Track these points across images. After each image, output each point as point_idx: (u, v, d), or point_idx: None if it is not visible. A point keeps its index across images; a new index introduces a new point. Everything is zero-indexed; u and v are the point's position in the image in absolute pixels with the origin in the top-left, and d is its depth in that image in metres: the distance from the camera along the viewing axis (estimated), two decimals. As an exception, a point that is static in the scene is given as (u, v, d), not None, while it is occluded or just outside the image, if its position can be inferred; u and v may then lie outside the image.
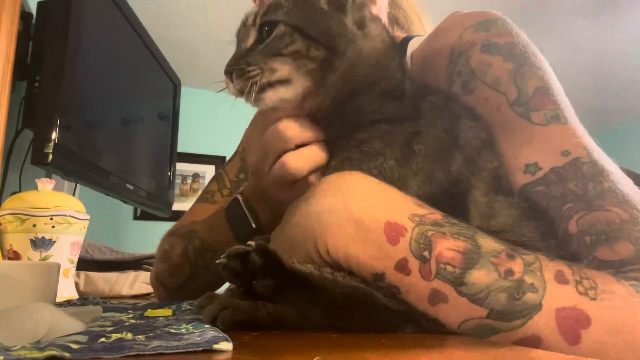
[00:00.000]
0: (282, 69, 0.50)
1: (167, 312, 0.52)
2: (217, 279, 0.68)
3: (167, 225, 0.82)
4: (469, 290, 0.39)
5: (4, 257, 0.83)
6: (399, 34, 0.73)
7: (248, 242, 0.43)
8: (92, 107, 1.07)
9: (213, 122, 3.19)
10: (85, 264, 1.03)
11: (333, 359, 0.29)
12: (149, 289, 1.04)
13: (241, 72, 0.50)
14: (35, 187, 0.89)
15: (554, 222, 0.45)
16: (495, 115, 0.51)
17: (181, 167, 3.31)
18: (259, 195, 0.61)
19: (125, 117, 1.29)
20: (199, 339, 0.31)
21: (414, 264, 0.41)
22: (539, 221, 0.46)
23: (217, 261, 0.43)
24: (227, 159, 0.92)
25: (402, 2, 0.78)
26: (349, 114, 0.51)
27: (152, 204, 1.39)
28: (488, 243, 0.41)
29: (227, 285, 0.50)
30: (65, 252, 0.87)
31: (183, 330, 0.36)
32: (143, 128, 1.44)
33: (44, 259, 0.84)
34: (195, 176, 3.46)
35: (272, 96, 0.50)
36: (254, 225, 0.61)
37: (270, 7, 0.53)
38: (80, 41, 0.97)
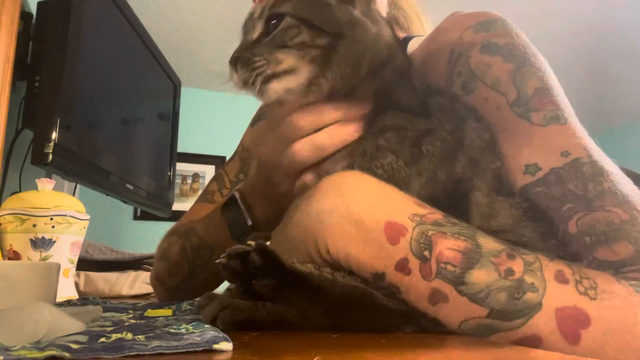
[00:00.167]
0: (288, 59, 0.50)
1: (167, 312, 0.52)
2: (215, 277, 0.68)
3: (167, 225, 0.82)
4: (470, 290, 0.39)
5: (4, 257, 0.83)
6: (399, 34, 0.73)
7: (248, 242, 0.43)
8: (92, 107, 1.07)
9: (213, 122, 3.19)
10: (85, 264, 1.03)
11: (333, 359, 0.29)
12: (149, 289, 1.04)
13: (246, 62, 0.50)
14: (35, 187, 0.89)
15: (553, 223, 0.45)
16: (495, 115, 0.51)
17: (181, 167, 3.31)
18: (259, 191, 0.61)
19: (125, 117, 1.29)
20: (199, 339, 0.31)
21: (414, 264, 0.41)
22: (539, 221, 0.46)
23: (217, 261, 0.43)
24: (227, 159, 0.92)
25: (401, 2, 0.78)
26: (380, 87, 0.51)
27: (152, 204, 1.39)
28: (488, 243, 0.41)
29: (226, 284, 0.50)
30: (65, 252, 0.87)
31: (183, 330, 0.36)
32: (143, 128, 1.44)
33: (44, 259, 0.84)
34: (195, 176, 3.46)
35: (277, 87, 0.50)
36: (249, 222, 0.61)
37: (277, 0, 0.53)
38: (80, 41, 0.97)
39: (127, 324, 0.43)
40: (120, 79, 1.25)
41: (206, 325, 0.38)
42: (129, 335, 0.34)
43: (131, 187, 1.21)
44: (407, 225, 0.42)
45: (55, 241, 0.85)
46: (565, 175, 0.45)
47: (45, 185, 0.89)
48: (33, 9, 1.06)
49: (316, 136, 0.51)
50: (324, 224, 0.44)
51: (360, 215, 0.43)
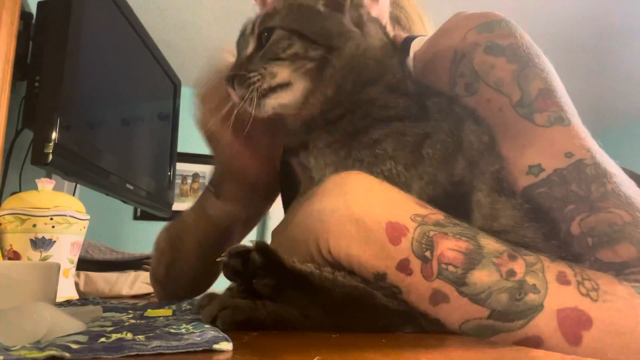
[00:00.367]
0: (282, 72, 0.50)
1: (167, 312, 0.52)
2: (193, 266, 0.71)
3: (167, 226, 0.82)
4: (471, 291, 0.39)
5: (4, 257, 0.83)
6: (401, 34, 0.72)
7: (250, 240, 0.43)
8: (92, 107, 1.07)
9: (213, 122, 3.18)
10: (85, 264, 1.03)
11: (333, 359, 0.29)
12: (149, 289, 1.04)
13: (241, 79, 0.51)
14: (35, 187, 0.89)
15: (556, 224, 0.45)
16: (498, 116, 0.51)
17: (181, 167, 3.30)
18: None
19: (125, 117, 1.29)
20: (199, 339, 0.31)
21: (415, 264, 0.41)
22: (542, 222, 0.46)
23: (217, 259, 0.43)
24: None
25: (403, 2, 0.78)
26: (364, 104, 0.51)
27: (152, 204, 1.39)
28: (490, 244, 0.41)
29: (224, 285, 0.50)
30: (65, 252, 0.87)
31: (183, 330, 0.36)
32: (143, 128, 1.44)
33: (44, 259, 0.84)
34: (195, 176, 3.46)
35: (273, 102, 0.51)
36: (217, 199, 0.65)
37: (267, 14, 0.54)
38: (80, 41, 0.97)
39: (127, 324, 0.43)
40: (120, 79, 1.25)
41: (206, 325, 0.38)
42: (129, 335, 0.34)
43: (131, 187, 1.21)
44: (408, 226, 0.42)
45: (55, 241, 0.85)
46: (569, 176, 0.45)
47: (45, 185, 0.89)
48: (33, 9, 1.06)
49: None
50: (325, 224, 0.44)
51: (362, 215, 0.43)
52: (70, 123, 0.92)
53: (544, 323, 0.37)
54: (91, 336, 0.33)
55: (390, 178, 0.47)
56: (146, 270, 1.11)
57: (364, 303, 0.42)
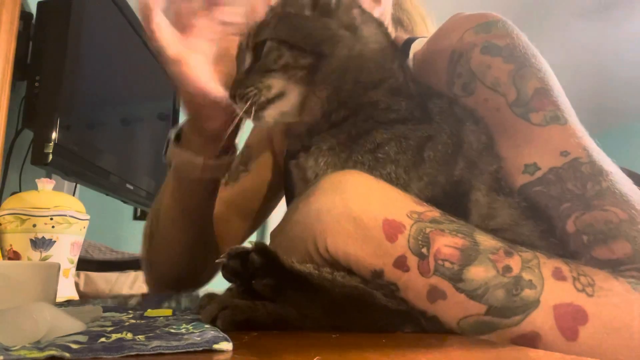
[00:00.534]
0: (277, 83, 0.50)
1: (167, 312, 0.52)
2: (170, 236, 0.69)
3: (167, 225, 0.82)
4: (468, 287, 0.39)
5: (4, 257, 0.83)
6: (402, 35, 0.73)
7: (249, 241, 0.43)
8: (92, 107, 1.07)
9: (213, 122, 3.18)
10: (85, 264, 1.03)
11: (333, 359, 0.29)
12: (149, 289, 1.04)
13: (242, 95, 0.51)
14: (35, 187, 0.89)
15: (552, 222, 0.45)
16: (495, 116, 0.51)
17: (181, 167, 3.30)
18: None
19: (125, 117, 1.29)
20: (199, 339, 0.31)
21: (412, 261, 0.41)
22: (538, 221, 0.46)
23: (217, 260, 0.43)
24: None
25: (405, 3, 0.78)
26: (367, 106, 0.51)
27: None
28: (486, 240, 0.41)
29: (222, 286, 0.50)
30: (65, 252, 0.87)
31: (183, 330, 0.36)
32: (143, 128, 1.45)
33: (44, 259, 0.84)
34: (195, 176, 3.45)
35: (272, 112, 0.51)
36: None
37: (259, 27, 0.54)
38: (80, 41, 0.97)
39: (127, 324, 0.43)
40: (120, 79, 1.25)
41: (206, 325, 0.38)
42: (129, 335, 0.34)
43: (131, 187, 1.21)
44: (405, 223, 0.42)
45: (55, 241, 0.85)
46: (564, 174, 0.45)
47: (45, 185, 0.89)
48: (33, 9, 1.06)
49: None
50: (322, 222, 0.44)
51: (359, 213, 0.43)
52: (70, 123, 0.92)
53: (541, 319, 0.37)
54: (91, 336, 0.33)
55: (390, 181, 0.47)
56: (146, 270, 1.11)
57: (364, 303, 0.42)
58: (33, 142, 0.89)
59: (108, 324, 0.42)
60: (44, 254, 0.84)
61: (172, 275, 0.72)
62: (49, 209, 0.85)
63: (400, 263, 0.41)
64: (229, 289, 0.48)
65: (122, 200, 1.26)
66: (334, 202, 0.44)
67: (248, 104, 0.50)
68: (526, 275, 0.39)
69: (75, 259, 0.91)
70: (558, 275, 0.39)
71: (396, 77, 0.53)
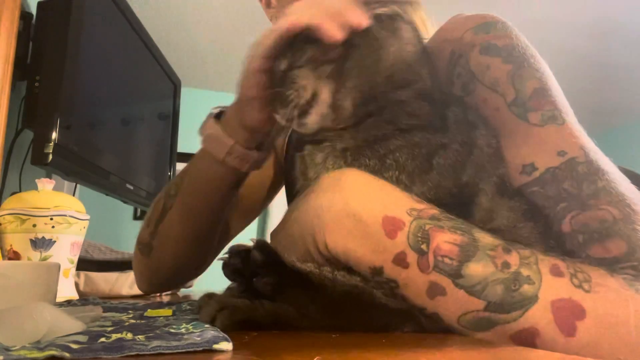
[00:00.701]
0: (308, 82, 0.49)
1: (167, 312, 0.52)
2: (185, 217, 0.65)
3: (167, 226, 0.82)
4: (467, 283, 0.39)
5: (4, 257, 0.83)
6: None
7: (250, 239, 0.43)
8: (92, 107, 1.07)
9: (213, 122, 3.18)
10: (85, 264, 1.03)
11: (333, 359, 0.29)
12: (149, 289, 1.04)
13: (281, 100, 0.49)
14: (35, 187, 0.89)
15: (549, 222, 0.45)
16: (494, 116, 0.52)
17: (181, 167, 3.29)
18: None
19: (125, 117, 1.29)
20: (198, 338, 0.31)
21: (412, 257, 0.41)
22: (538, 222, 0.46)
23: (217, 258, 0.43)
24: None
25: (406, 5, 0.78)
26: (393, 105, 0.50)
27: (152, 204, 1.39)
28: (485, 237, 0.41)
29: (222, 284, 0.50)
30: (65, 252, 0.87)
31: (183, 330, 0.36)
32: (143, 128, 1.45)
33: (44, 259, 0.84)
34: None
35: (315, 118, 0.49)
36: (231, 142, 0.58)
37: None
38: (80, 41, 0.97)
39: (127, 324, 0.43)
40: (121, 79, 1.25)
41: (206, 325, 0.38)
42: (129, 335, 0.34)
43: (131, 187, 1.21)
44: (404, 220, 0.42)
45: (55, 241, 0.85)
46: (561, 174, 0.46)
47: (45, 185, 0.89)
48: (33, 9, 1.06)
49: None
50: (322, 219, 0.44)
51: (358, 210, 0.43)
52: (70, 123, 0.92)
53: (540, 314, 0.38)
54: (91, 336, 0.33)
55: (392, 184, 0.47)
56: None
57: (364, 302, 0.42)
58: (33, 142, 0.89)
59: (108, 324, 0.42)
60: (44, 254, 0.84)
61: (174, 264, 0.69)
62: (49, 209, 0.85)
63: (400, 259, 0.41)
64: (228, 288, 0.48)
65: (122, 200, 1.26)
66: (334, 199, 0.44)
67: (289, 107, 0.48)
68: (524, 271, 0.39)
69: (75, 259, 0.91)
70: (555, 272, 0.39)
71: (424, 82, 0.53)
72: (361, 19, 0.47)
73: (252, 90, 0.53)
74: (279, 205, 0.90)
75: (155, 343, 0.30)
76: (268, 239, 0.51)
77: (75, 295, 0.89)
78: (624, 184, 0.45)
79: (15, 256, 0.83)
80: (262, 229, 3.21)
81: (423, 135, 0.48)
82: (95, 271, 1.04)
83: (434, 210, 0.43)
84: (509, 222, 0.46)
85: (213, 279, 0.80)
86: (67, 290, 0.86)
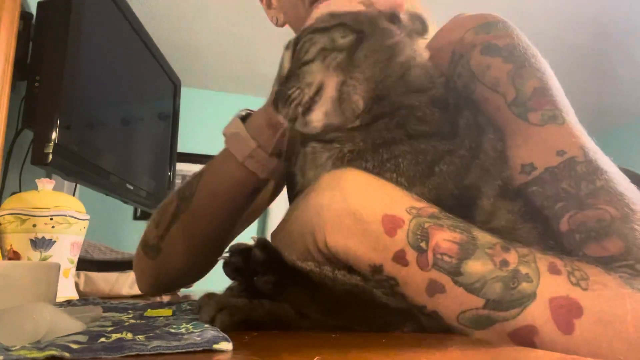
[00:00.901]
0: (314, 76, 0.49)
1: (167, 312, 0.52)
2: (194, 226, 0.65)
3: (167, 225, 0.82)
4: (466, 280, 0.39)
5: (4, 257, 0.83)
6: None
7: (251, 237, 0.43)
8: (92, 107, 1.07)
9: (213, 122, 3.18)
10: (85, 264, 1.03)
11: (333, 359, 0.29)
12: (149, 289, 1.04)
13: (284, 99, 0.49)
14: (35, 187, 0.89)
15: (548, 222, 0.46)
16: (494, 116, 0.52)
17: (181, 167, 3.30)
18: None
19: (125, 117, 1.29)
20: (198, 338, 0.31)
21: (411, 255, 0.41)
22: (538, 223, 0.46)
23: (219, 258, 0.43)
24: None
25: (407, 6, 0.78)
26: (405, 109, 0.50)
27: (152, 204, 1.39)
28: (484, 236, 0.41)
29: (222, 284, 0.50)
30: (65, 252, 0.87)
31: (183, 330, 0.36)
32: (143, 128, 1.45)
33: (44, 259, 0.84)
34: (195, 176, 3.45)
35: (317, 116, 0.49)
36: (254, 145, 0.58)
37: (301, 32, 0.53)
38: (80, 41, 0.97)
39: (127, 324, 0.43)
40: (120, 79, 1.25)
41: (206, 325, 0.38)
42: (129, 335, 0.34)
43: (131, 187, 1.21)
44: (404, 218, 0.42)
45: (55, 241, 0.85)
46: (560, 174, 0.46)
47: (45, 185, 0.89)
48: (33, 9, 1.06)
49: None
50: (321, 218, 0.44)
51: (358, 208, 0.43)
52: (70, 123, 0.92)
53: (538, 312, 0.38)
54: (91, 336, 0.33)
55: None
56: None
57: (364, 300, 0.42)
58: (33, 142, 0.89)
59: (108, 324, 0.42)
60: (44, 254, 0.84)
61: (181, 268, 0.68)
62: (49, 209, 0.85)
63: (399, 257, 0.41)
64: (228, 288, 0.48)
65: (122, 200, 1.26)
66: (333, 197, 0.44)
67: (293, 106, 0.48)
68: (523, 269, 0.39)
69: (75, 259, 0.91)
70: (553, 270, 0.39)
71: (438, 89, 0.53)
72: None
73: None
74: (279, 205, 0.90)
75: (155, 343, 0.30)
76: (269, 239, 0.51)
77: (75, 295, 0.89)
78: (623, 183, 0.45)
79: (15, 256, 0.83)
80: (262, 228, 3.21)
81: (429, 143, 0.48)
82: (95, 271, 1.04)
83: (434, 209, 0.43)
84: (509, 223, 0.46)
85: (213, 279, 0.79)
86: (67, 290, 0.86)
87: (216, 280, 0.70)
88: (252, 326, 0.39)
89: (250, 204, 0.67)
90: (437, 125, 0.50)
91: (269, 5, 0.76)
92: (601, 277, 0.39)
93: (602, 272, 0.40)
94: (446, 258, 0.40)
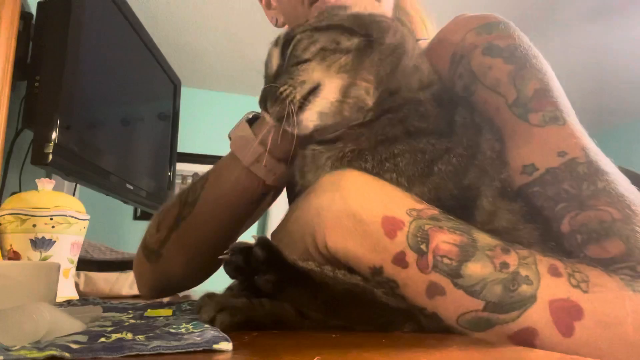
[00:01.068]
0: (311, 74, 0.48)
1: (167, 312, 0.52)
2: (198, 232, 0.63)
3: (167, 225, 0.82)
4: (466, 283, 0.39)
5: (4, 257, 0.83)
6: None
7: (252, 235, 0.43)
8: (92, 107, 1.07)
9: (213, 122, 3.19)
10: (85, 264, 1.03)
11: (333, 359, 0.29)
12: (149, 289, 1.04)
13: (274, 96, 0.48)
14: (35, 187, 0.89)
15: (549, 223, 0.45)
16: (495, 117, 0.52)
17: (181, 167, 3.30)
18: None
19: (125, 117, 1.29)
20: (199, 338, 0.31)
21: (411, 257, 0.41)
22: (538, 224, 0.46)
23: (220, 257, 0.43)
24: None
25: (407, 6, 0.78)
26: (410, 104, 0.49)
27: (152, 204, 1.39)
28: (483, 238, 0.41)
29: (222, 284, 0.50)
30: (65, 252, 0.87)
31: (183, 330, 0.36)
32: (143, 128, 1.45)
33: (44, 259, 0.84)
34: (195, 176, 3.45)
35: (310, 115, 0.48)
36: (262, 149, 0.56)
37: (292, 29, 0.53)
38: (80, 41, 0.97)
39: (127, 324, 0.43)
40: (120, 79, 1.25)
41: (206, 325, 0.38)
42: (129, 335, 0.34)
43: (131, 187, 1.21)
44: (404, 220, 0.42)
45: (55, 241, 0.85)
46: (561, 175, 0.46)
47: (45, 185, 0.89)
48: (33, 9, 1.06)
49: None
50: (322, 219, 0.44)
51: (358, 210, 0.43)
52: (70, 123, 0.92)
53: (538, 314, 0.38)
54: (91, 336, 0.33)
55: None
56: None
57: (364, 300, 0.42)
58: (33, 142, 0.89)
59: (108, 324, 0.42)
60: (44, 254, 0.84)
61: (182, 274, 0.66)
62: (49, 209, 0.85)
63: (399, 259, 0.41)
64: (229, 288, 0.48)
65: (122, 200, 1.26)
66: (334, 199, 0.44)
67: (285, 104, 0.47)
68: (523, 272, 0.39)
69: (75, 259, 0.91)
70: (554, 272, 0.39)
71: (438, 85, 0.53)
72: None
73: None
74: (279, 206, 0.90)
75: (155, 343, 0.30)
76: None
77: (75, 295, 0.89)
78: (624, 184, 0.45)
79: (15, 256, 0.83)
80: (262, 228, 3.22)
81: (428, 141, 0.48)
82: (95, 271, 1.04)
83: (434, 211, 0.43)
84: (509, 225, 0.46)
85: (213, 279, 0.79)
86: (67, 290, 0.86)
87: (216, 280, 0.70)
88: (252, 326, 0.39)
89: (255, 211, 0.65)
90: (435, 121, 0.50)
91: (268, 6, 0.76)
92: (602, 279, 0.39)
93: (602, 274, 0.40)
94: (446, 260, 0.40)
